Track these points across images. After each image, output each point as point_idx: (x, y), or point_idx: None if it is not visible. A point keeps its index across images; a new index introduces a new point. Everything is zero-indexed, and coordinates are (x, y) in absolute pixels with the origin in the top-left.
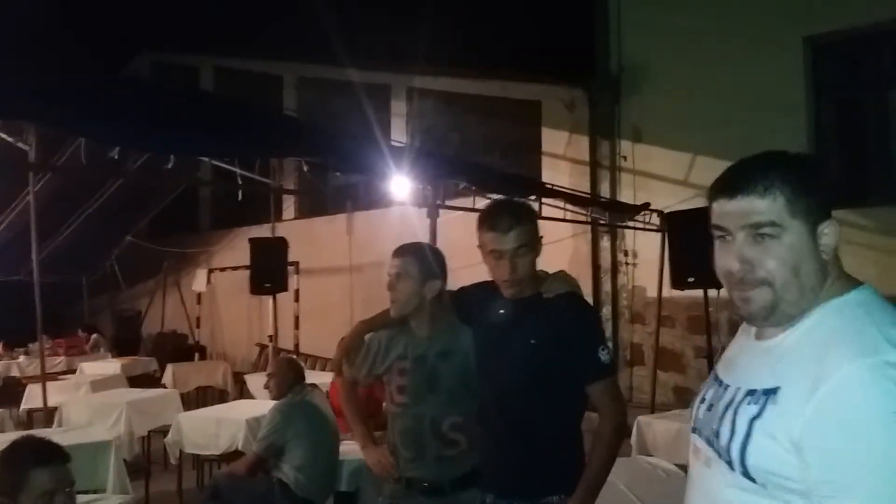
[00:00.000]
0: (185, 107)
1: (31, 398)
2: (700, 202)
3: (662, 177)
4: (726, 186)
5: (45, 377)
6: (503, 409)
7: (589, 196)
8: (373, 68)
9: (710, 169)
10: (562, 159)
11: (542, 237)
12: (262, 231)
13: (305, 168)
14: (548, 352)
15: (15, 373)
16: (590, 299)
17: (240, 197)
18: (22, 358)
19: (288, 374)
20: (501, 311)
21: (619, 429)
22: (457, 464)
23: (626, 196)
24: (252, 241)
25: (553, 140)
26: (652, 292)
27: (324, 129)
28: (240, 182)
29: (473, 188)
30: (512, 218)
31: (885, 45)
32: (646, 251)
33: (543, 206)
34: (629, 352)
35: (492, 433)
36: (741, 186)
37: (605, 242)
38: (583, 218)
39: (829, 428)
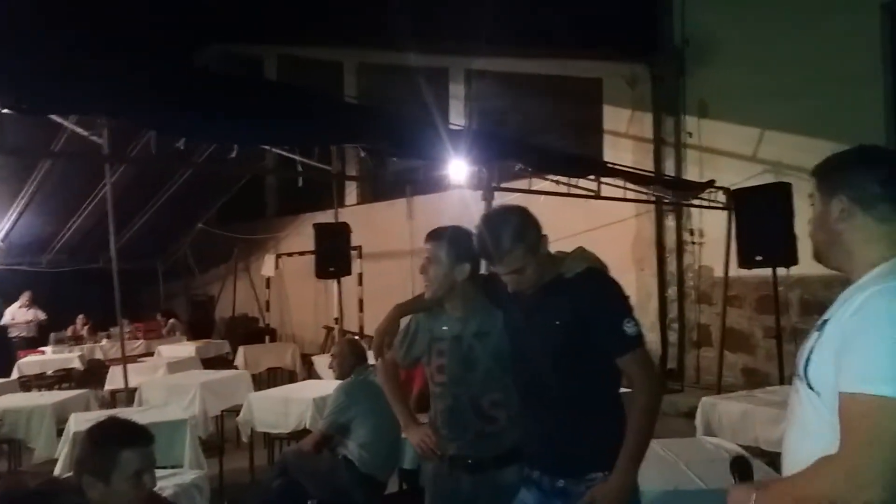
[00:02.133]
0: (245, 98)
1: (114, 379)
2: (769, 178)
3: (730, 153)
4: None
5: (125, 360)
6: (538, 390)
7: (650, 174)
8: (431, 51)
9: (780, 143)
10: (624, 137)
11: (543, 236)
12: (326, 217)
13: (363, 154)
14: (572, 331)
15: (99, 355)
16: (655, 279)
17: (300, 184)
18: (104, 341)
19: (349, 355)
20: (526, 296)
21: (652, 400)
22: (498, 440)
23: (692, 174)
24: (316, 226)
25: (615, 118)
26: (719, 272)
27: (379, 114)
28: (300, 169)
29: (529, 169)
30: (494, 255)
31: None
32: (713, 230)
33: (604, 186)
34: (696, 333)
35: (531, 413)
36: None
37: (671, 222)
38: (644, 197)
39: (852, 330)
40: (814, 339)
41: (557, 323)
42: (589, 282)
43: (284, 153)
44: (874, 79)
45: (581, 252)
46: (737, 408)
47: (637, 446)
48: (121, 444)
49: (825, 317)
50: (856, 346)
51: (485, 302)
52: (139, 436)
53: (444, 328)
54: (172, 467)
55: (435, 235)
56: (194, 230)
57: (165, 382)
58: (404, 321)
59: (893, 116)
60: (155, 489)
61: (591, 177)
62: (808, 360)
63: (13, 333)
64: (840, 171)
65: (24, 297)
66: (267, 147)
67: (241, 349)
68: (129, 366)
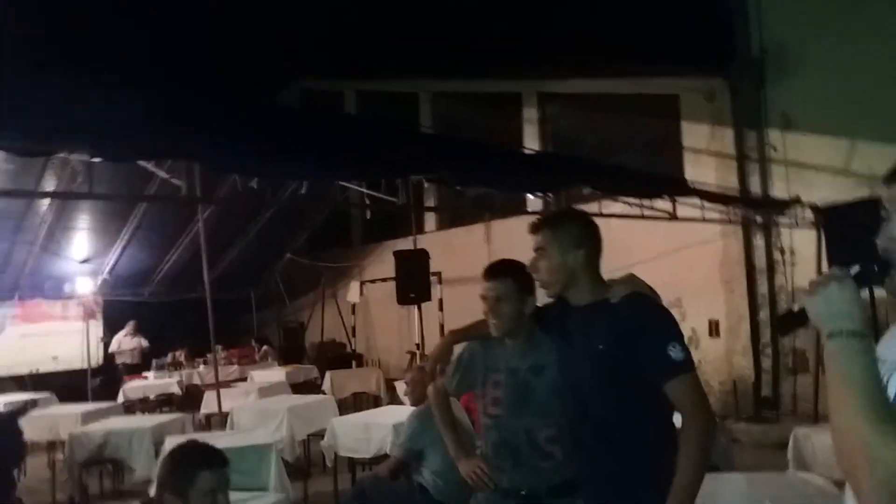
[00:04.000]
0: (316, 135)
1: (209, 404)
2: (863, 192)
3: (819, 166)
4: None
5: (219, 385)
6: (586, 419)
7: (730, 193)
8: (502, 77)
9: (873, 155)
10: (705, 154)
11: (589, 251)
12: (407, 244)
13: (426, 185)
14: (615, 356)
15: (196, 381)
16: (745, 301)
17: (368, 216)
18: (202, 367)
19: (422, 381)
20: (571, 322)
21: (704, 430)
22: (553, 473)
23: (779, 190)
24: (396, 253)
25: (694, 134)
26: None
27: (445, 144)
28: (367, 202)
29: (599, 192)
30: (531, 227)
31: None
32: (805, 249)
33: (682, 206)
34: (790, 358)
35: (582, 445)
36: None
37: (759, 241)
38: (724, 217)
39: None
40: None
41: (601, 347)
42: (633, 305)
43: (353, 186)
44: None
45: (630, 278)
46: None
47: (688, 481)
48: (198, 464)
49: None
50: None
51: (542, 335)
52: (214, 458)
53: (501, 360)
54: (259, 489)
55: (498, 272)
56: (284, 260)
57: (255, 407)
58: (458, 348)
59: None
60: None
61: (666, 197)
62: None
63: (119, 360)
64: None
65: (129, 326)
66: (338, 182)
67: (328, 374)
68: (223, 390)
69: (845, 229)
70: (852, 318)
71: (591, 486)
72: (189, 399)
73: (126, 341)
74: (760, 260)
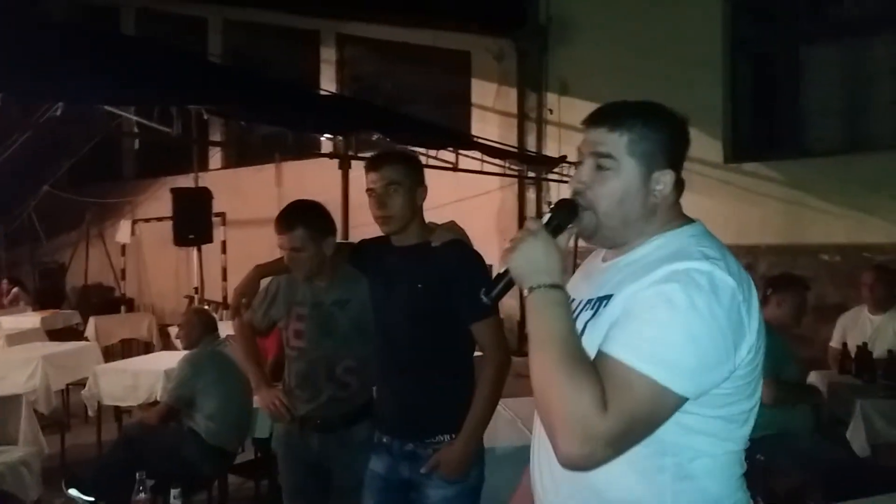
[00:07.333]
0: (80, 51)
1: None
2: None
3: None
4: (589, 118)
5: None
6: (393, 352)
7: (506, 148)
8: (301, 12)
9: None
10: (490, 111)
11: (422, 183)
12: (188, 181)
13: (205, 117)
14: (432, 295)
15: None
16: None
17: (136, 146)
18: None
19: (197, 324)
20: (391, 261)
21: (501, 369)
22: (349, 402)
23: (551, 149)
24: (174, 191)
25: (483, 91)
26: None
27: (232, 74)
28: (136, 131)
29: (388, 139)
30: (382, 159)
31: (798, 1)
32: None
33: (465, 159)
34: None
35: (386, 376)
36: (597, 120)
37: (532, 194)
38: (500, 170)
39: (647, 301)
40: (587, 318)
41: (419, 286)
42: (454, 251)
43: (123, 114)
44: (715, 62)
45: (452, 225)
46: None
47: (483, 412)
48: None
49: (599, 294)
50: (647, 320)
51: (350, 270)
52: None
53: (306, 294)
54: (8, 444)
55: (288, 225)
56: (41, 193)
57: (2, 356)
58: (264, 282)
59: (730, 97)
60: None
61: (451, 149)
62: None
63: None
64: (665, 138)
65: None
66: (101, 107)
67: (91, 320)
68: None
69: None
70: (548, 271)
71: (391, 416)
72: None
73: None
74: (531, 211)
